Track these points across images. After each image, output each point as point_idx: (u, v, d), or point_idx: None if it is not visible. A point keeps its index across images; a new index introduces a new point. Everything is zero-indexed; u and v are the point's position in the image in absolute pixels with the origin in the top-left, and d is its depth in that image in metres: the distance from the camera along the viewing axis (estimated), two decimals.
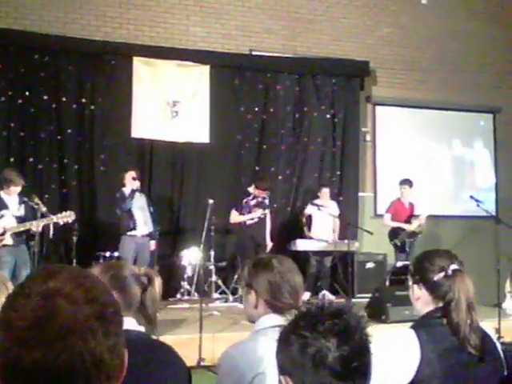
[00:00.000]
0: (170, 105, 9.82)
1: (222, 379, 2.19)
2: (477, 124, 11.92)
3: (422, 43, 11.39)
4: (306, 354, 1.37)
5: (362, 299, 8.51)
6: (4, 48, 9.11)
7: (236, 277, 9.25)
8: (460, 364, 2.34)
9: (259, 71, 10.45)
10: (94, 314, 0.97)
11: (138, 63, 9.69)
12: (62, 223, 7.01)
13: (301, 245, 9.30)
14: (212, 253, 9.13)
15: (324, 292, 9.20)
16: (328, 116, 10.78)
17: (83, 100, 9.51)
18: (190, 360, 5.50)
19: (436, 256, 2.53)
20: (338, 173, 10.78)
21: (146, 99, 9.67)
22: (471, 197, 8.36)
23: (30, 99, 9.23)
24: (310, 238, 9.50)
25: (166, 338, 5.44)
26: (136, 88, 9.62)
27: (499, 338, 6.10)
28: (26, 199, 7.13)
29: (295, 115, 10.61)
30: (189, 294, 9.06)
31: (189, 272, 9.10)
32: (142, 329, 2.29)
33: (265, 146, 10.41)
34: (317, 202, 9.48)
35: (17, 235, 6.99)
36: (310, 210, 9.61)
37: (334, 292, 9.48)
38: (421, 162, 11.20)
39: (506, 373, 2.44)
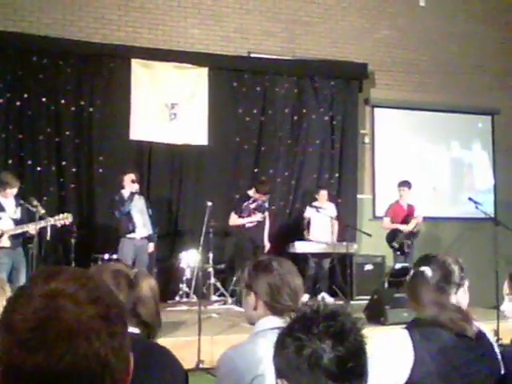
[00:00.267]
0: (169, 107, 9.82)
1: (220, 381, 2.19)
2: (475, 126, 11.93)
3: (420, 45, 11.40)
4: (301, 355, 1.37)
5: (360, 301, 8.52)
6: (2, 50, 9.11)
7: (235, 279, 9.24)
8: (455, 364, 2.35)
9: (257, 73, 10.45)
10: (98, 314, 0.94)
11: (137, 65, 9.69)
12: (59, 225, 7.04)
13: (300, 247, 9.30)
14: (211, 255, 9.15)
15: (322, 294, 9.20)
16: (326, 118, 10.79)
17: (82, 102, 9.51)
18: (188, 362, 5.50)
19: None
20: (337, 175, 10.78)
21: (145, 101, 9.67)
22: (470, 199, 8.37)
23: (29, 101, 9.22)
24: (310, 240, 9.51)
25: (165, 341, 5.43)
26: (134, 90, 9.62)
27: (498, 339, 6.09)
28: (22, 202, 7.17)
29: (293, 117, 10.61)
30: (187, 296, 9.06)
31: (187, 274, 9.10)
32: (136, 331, 2.29)
33: (263, 148, 10.41)
34: (315, 204, 9.49)
35: (14, 238, 7.02)
36: (308, 212, 9.62)
37: (333, 294, 9.49)
38: (419, 164, 11.20)
39: (502, 372, 2.44)
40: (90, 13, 9.73)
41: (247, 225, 8.71)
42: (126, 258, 7.79)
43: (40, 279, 0.97)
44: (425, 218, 9.45)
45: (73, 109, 9.46)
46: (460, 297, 2.53)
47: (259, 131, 10.43)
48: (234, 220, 8.74)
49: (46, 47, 9.34)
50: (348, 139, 10.87)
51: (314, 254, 9.35)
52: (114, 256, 8.16)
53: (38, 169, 9.22)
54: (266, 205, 8.88)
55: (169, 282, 9.45)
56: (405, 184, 9.34)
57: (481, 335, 2.44)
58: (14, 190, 7.20)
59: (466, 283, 2.58)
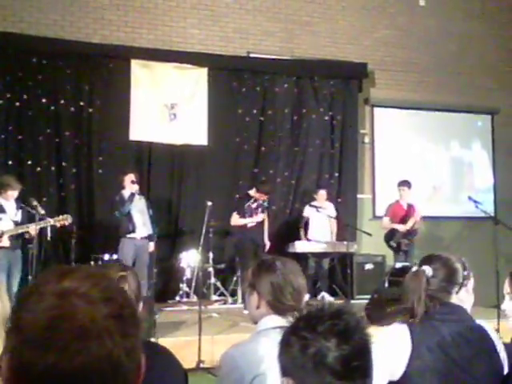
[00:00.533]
0: (168, 107, 9.82)
1: (222, 380, 2.19)
2: (475, 125, 11.93)
3: (419, 45, 11.40)
4: (306, 354, 1.38)
5: (360, 300, 8.51)
6: (2, 51, 9.10)
7: (235, 279, 9.26)
8: (455, 358, 2.36)
9: (257, 73, 10.45)
10: (111, 314, 0.92)
11: (136, 66, 9.69)
12: (58, 226, 7.08)
13: (300, 246, 9.30)
14: (211, 255, 9.15)
15: (323, 294, 9.20)
16: (326, 118, 10.79)
17: (81, 103, 9.51)
18: (189, 362, 5.51)
19: None
20: (337, 174, 10.78)
21: (144, 102, 9.67)
22: (470, 198, 8.36)
23: (28, 102, 9.22)
24: (307, 240, 9.52)
25: (165, 341, 5.46)
26: (134, 91, 9.62)
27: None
28: (23, 205, 7.24)
29: (293, 117, 10.61)
30: (188, 296, 9.06)
31: (188, 274, 9.11)
32: None
33: (263, 148, 10.41)
34: (314, 203, 9.50)
35: (14, 239, 7.04)
36: (308, 212, 9.62)
37: (333, 294, 9.50)
38: (419, 164, 11.20)
39: (507, 371, 2.44)
40: (89, 13, 9.73)
41: (249, 225, 8.71)
42: (126, 257, 7.79)
43: (52, 277, 0.95)
44: (425, 217, 9.45)
45: (72, 109, 9.47)
46: (462, 297, 2.53)
47: (259, 131, 10.43)
48: (236, 220, 8.74)
49: (46, 48, 9.33)
50: (348, 139, 10.87)
51: (314, 254, 9.36)
52: (114, 256, 8.15)
53: (38, 169, 9.22)
54: (266, 204, 8.88)
55: (169, 281, 9.46)
56: (404, 183, 9.33)
57: (481, 332, 2.44)
58: (15, 193, 7.25)
59: (471, 283, 2.58)
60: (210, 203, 8.36)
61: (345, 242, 9.08)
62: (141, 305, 2.49)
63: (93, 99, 9.56)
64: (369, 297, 7.86)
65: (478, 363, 2.37)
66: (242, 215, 8.70)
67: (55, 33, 9.45)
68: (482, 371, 2.36)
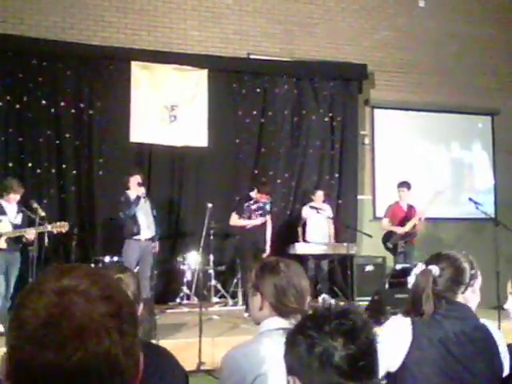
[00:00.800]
0: (169, 109, 9.82)
1: (224, 381, 2.19)
2: (475, 126, 11.92)
3: (419, 46, 11.40)
4: (312, 353, 1.39)
5: (361, 302, 8.51)
6: (2, 53, 9.11)
7: (235, 281, 9.25)
8: (456, 355, 2.37)
9: (257, 75, 10.45)
10: (109, 312, 0.93)
11: (136, 68, 9.70)
12: (55, 232, 7.11)
13: (300, 248, 9.29)
14: (211, 257, 9.15)
15: (324, 296, 9.19)
16: (326, 119, 10.79)
17: (81, 105, 9.52)
18: (189, 364, 5.51)
19: None
20: (337, 176, 10.78)
21: (144, 103, 9.67)
22: (470, 199, 8.36)
23: (28, 104, 9.23)
24: (305, 241, 9.52)
25: (166, 342, 5.44)
26: (134, 92, 9.63)
27: None
28: (24, 209, 7.28)
29: (293, 119, 10.62)
30: (188, 298, 9.06)
31: (188, 276, 9.10)
32: None
33: (263, 150, 10.41)
34: (313, 204, 9.51)
35: (12, 241, 7.07)
36: (307, 213, 9.61)
37: (334, 295, 9.49)
38: (419, 165, 11.20)
39: (507, 371, 2.45)
40: (89, 15, 9.74)
41: (247, 226, 8.70)
42: (130, 259, 7.78)
43: (52, 275, 0.96)
44: (425, 219, 9.43)
45: (73, 111, 9.47)
46: (468, 297, 2.54)
47: (259, 133, 10.43)
48: (235, 220, 8.73)
49: (46, 50, 9.33)
50: (348, 140, 10.87)
51: (314, 256, 9.35)
52: (115, 258, 8.16)
53: (38, 171, 9.22)
54: (268, 207, 8.82)
55: (169, 283, 9.45)
56: (404, 185, 9.32)
57: (484, 331, 2.45)
58: (17, 196, 7.30)
59: (477, 283, 2.58)
60: (210, 205, 8.33)
61: (345, 244, 9.08)
62: (141, 306, 2.49)
63: (93, 101, 9.56)
64: (369, 298, 7.86)
65: (478, 361, 2.38)
66: (241, 216, 8.70)
67: (55, 35, 9.45)
68: (481, 370, 2.37)
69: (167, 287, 9.42)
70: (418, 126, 11.37)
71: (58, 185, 9.35)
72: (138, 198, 8.02)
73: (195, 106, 9.94)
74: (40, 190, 9.12)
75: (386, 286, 8.88)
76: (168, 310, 8.56)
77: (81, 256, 8.63)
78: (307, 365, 1.39)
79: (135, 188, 8.09)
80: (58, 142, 9.38)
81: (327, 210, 9.60)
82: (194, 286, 9.00)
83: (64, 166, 9.38)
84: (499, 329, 6.34)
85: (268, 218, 8.87)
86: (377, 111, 11.31)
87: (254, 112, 10.37)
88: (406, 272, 7.85)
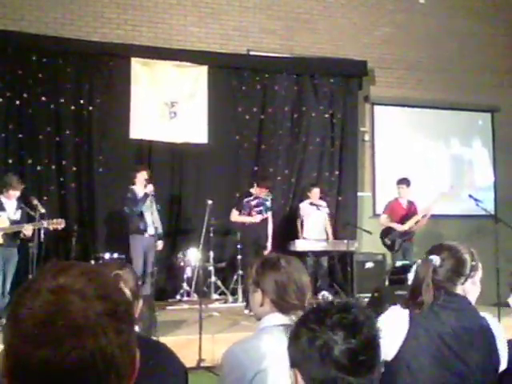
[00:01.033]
0: (168, 105, 9.81)
1: (224, 377, 2.19)
2: (475, 123, 11.92)
3: (419, 42, 11.39)
4: (313, 346, 1.40)
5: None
6: (2, 49, 9.09)
7: (235, 278, 9.24)
8: (450, 346, 2.38)
9: (257, 71, 10.44)
10: (105, 310, 0.94)
11: (136, 64, 9.69)
12: (51, 229, 7.14)
13: (300, 245, 9.29)
14: (211, 253, 9.15)
15: (324, 292, 9.19)
16: (326, 116, 10.78)
17: (81, 101, 9.51)
18: (190, 361, 5.51)
19: None
20: (337, 172, 10.77)
21: (145, 100, 9.66)
22: (470, 196, 8.35)
23: (28, 101, 9.21)
24: (304, 238, 9.53)
25: (166, 339, 5.44)
26: (134, 89, 9.62)
27: None
28: (23, 205, 7.31)
29: (293, 115, 10.61)
30: (188, 294, 9.06)
31: (188, 273, 9.10)
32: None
33: (263, 147, 10.40)
34: (313, 201, 9.52)
35: (10, 238, 7.09)
36: (307, 210, 9.60)
37: (334, 292, 9.49)
38: (419, 162, 11.19)
39: (504, 366, 2.45)
40: (89, 11, 9.72)
41: (247, 223, 8.69)
42: (137, 254, 7.83)
43: (49, 274, 0.97)
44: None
45: (72, 108, 9.46)
46: (467, 288, 2.54)
47: (259, 129, 10.42)
48: (235, 217, 8.73)
49: (46, 46, 9.31)
50: (348, 137, 10.87)
51: (314, 252, 9.35)
52: (115, 255, 8.16)
53: (38, 168, 9.21)
54: (269, 204, 8.80)
55: (170, 280, 9.47)
56: (403, 181, 9.31)
57: (482, 324, 2.46)
58: (17, 193, 7.35)
59: (478, 275, 2.58)
60: (210, 202, 8.36)
61: (345, 241, 9.09)
62: (141, 302, 2.49)
63: (93, 97, 9.55)
64: (369, 295, 7.85)
65: (475, 354, 2.38)
66: (241, 212, 8.69)
67: (55, 31, 9.44)
68: (477, 362, 2.37)
69: (167, 284, 9.43)
70: (417, 123, 11.36)
71: (57, 181, 9.34)
72: (146, 195, 8.04)
73: (195, 102, 9.93)
74: (40, 187, 9.12)
75: (386, 282, 8.88)
76: (168, 307, 8.56)
77: (81, 253, 8.64)
78: (308, 357, 1.41)
79: (141, 184, 8.11)
80: (57, 138, 9.38)
81: (325, 207, 9.63)
82: (194, 283, 9.00)
83: (64, 162, 9.38)
84: None
85: (269, 214, 8.86)
86: (377, 108, 11.31)
87: (254, 109, 10.36)
88: (406, 269, 7.86)
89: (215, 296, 9.17)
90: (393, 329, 2.40)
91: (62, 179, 9.37)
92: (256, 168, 10.31)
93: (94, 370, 0.91)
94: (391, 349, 2.39)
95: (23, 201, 7.46)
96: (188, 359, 5.21)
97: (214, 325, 7.05)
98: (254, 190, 8.78)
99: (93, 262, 8.11)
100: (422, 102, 11.26)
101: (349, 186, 10.83)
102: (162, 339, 5.21)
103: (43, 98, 9.29)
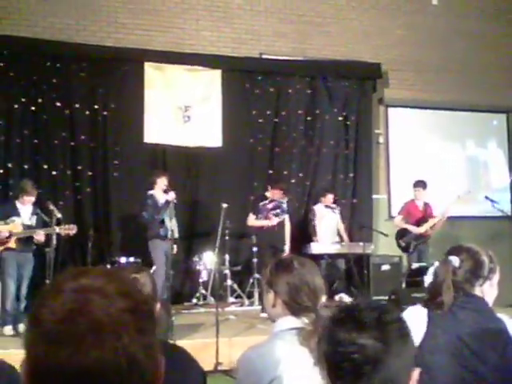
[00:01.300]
0: (182, 109, 9.84)
1: (240, 381, 2.20)
2: (490, 124, 11.85)
3: (433, 44, 11.33)
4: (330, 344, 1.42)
5: None
6: (16, 55, 9.15)
7: (251, 281, 9.23)
8: (468, 345, 2.39)
9: (270, 74, 10.45)
10: (127, 307, 0.93)
11: (150, 68, 9.72)
12: (63, 234, 7.16)
13: (316, 248, 9.27)
14: (227, 257, 9.16)
15: (341, 295, 9.16)
16: (340, 118, 10.75)
17: (96, 106, 9.55)
18: (207, 364, 5.50)
19: None
20: (352, 175, 10.74)
21: (158, 104, 9.70)
22: (486, 197, 8.32)
23: (43, 106, 9.27)
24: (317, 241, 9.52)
25: (183, 343, 5.44)
26: (148, 93, 9.65)
27: None
28: (39, 211, 7.32)
29: (307, 118, 10.59)
30: (204, 298, 9.05)
31: (204, 276, 9.09)
32: None
33: (277, 150, 10.39)
34: (327, 204, 9.53)
35: (24, 243, 7.13)
36: (321, 212, 9.58)
37: (350, 295, 9.45)
38: (434, 163, 11.13)
39: None
40: (102, 17, 9.77)
41: (265, 227, 8.66)
42: (161, 259, 7.82)
43: (69, 276, 0.97)
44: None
45: (87, 113, 9.50)
46: (485, 290, 2.57)
47: (273, 132, 10.42)
48: (252, 221, 8.72)
49: (60, 52, 9.37)
50: (362, 139, 10.83)
51: (330, 255, 9.33)
52: (131, 259, 8.18)
53: (54, 173, 9.26)
54: (285, 206, 8.77)
55: (186, 284, 9.48)
56: (420, 184, 9.28)
57: (499, 325, 2.46)
58: (32, 198, 7.37)
59: (496, 277, 2.60)
60: (225, 205, 8.35)
61: (361, 243, 9.05)
62: (158, 305, 2.49)
63: (107, 102, 9.59)
64: (386, 298, 7.81)
65: (492, 354, 2.40)
66: (258, 216, 8.68)
67: (69, 37, 9.49)
68: (494, 362, 2.38)
69: (183, 287, 9.44)
70: (432, 125, 11.31)
71: (73, 186, 9.38)
72: (168, 202, 7.98)
73: (209, 106, 9.95)
74: (56, 192, 9.16)
75: (403, 285, 8.83)
76: (184, 311, 8.56)
77: (97, 257, 8.64)
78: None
79: (161, 190, 8.08)
80: (72, 143, 9.42)
81: (338, 209, 9.66)
82: (210, 287, 8.99)
83: (79, 167, 9.42)
84: None
85: (286, 217, 8.84)
86: (391, 110, 11.26)
87: (268, 112, 10.36)
88: (422, 271, 7.81)
89: (231, 299, 9.17)
90: (411, 328, 2.40)
91: (77, 184, 9.41)
92: (270, 171, 10.30)
93: (116, 370, 0.89)
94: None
95: (39, 206, 7.48)
96: (205, 363, 5.19)
97: (231, 328, 7.03)
98: (269, 193, 8.77)
99: (109, 266, 8.14)
100: (436, 104, 11.20)
101: (364, 188, 10.79)
102: (179, 343, 5.21)
103: (58, 104, 9.33)
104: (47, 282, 6.79)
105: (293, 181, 10.36)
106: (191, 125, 9.87)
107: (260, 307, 8.22)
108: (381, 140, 11.14)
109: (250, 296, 9.18)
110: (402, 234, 9.19)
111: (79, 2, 9.65)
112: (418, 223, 9.14)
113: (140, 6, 9.95)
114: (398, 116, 11.29)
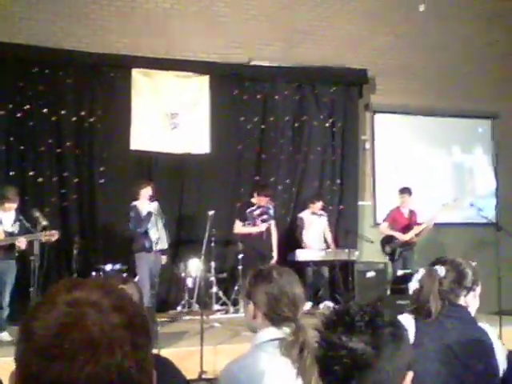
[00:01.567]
0: (169, 116, 9.82)
1: None
2: (475, 130, 11.92)
3: (419, 50, 11.38)
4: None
5: None
6: (3, 61, 9.11)
7: (236, 288, 9.22)
8: (455, 352, 2.44)
9: (258, 81, 10.47)
10: (121, 323, 0.91)
11: (137, 75, 9.71)
12: (44, 241, 7.01)
13: (301, 255, 9.28)
14: (212, 264, 9.12)
15: (326, 302, 9.17)
16: (327, 125, 10.78)
17: (82, 113, 9.52)
18: (191, 373, 5.50)
19: None
20: (339, 181, 10.76)
21: (146, 111, 9.68)
22: (472, 204, 8.36)
23: (30, 113, 9.23)
24: (305, 248, 9.53)
25: (167, 351, 5.45)
26: (135, 100, 9.64)
27: None
28: (21, 218, 7.21)
29: (294, 124, 10.62)
30: (189, 305, 9.02)
31: (189, 284, 9.07)
32: None
33: (264, 156, 10.40)
34: (314, 211, 9.55)
35: (6, 250, 7.05)
36: (308, 219, 9.59)
37: (335, 302, 9.47)
38: (420, 170, 11.17)
39: (501, 374, 2.50)
40: (89, 23, 9.75)
41: (253, 234, 8.66)
42: (144, 274, 7.71)
43: (63, 288, 0.95)
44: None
45: (74, 119, 9.48)
46: (469, 301, 2.63)
47: (260, 139, 10.43)
48: (239, 228, 8.72)
49: (47, 58, 9.33)
50: (349, 145, 10.86)
51: (315, 262, 9.34)
52: (117, 266, 8.16)
53: (40, 180, 9.22)
54: (271, 213, 8.79)
55: (171, 291, 9.45)
56: (405, 191, 9.33)
57: (481, 333, 2.52)
58: (14, 205, 7.24)
59: (478, 289, 2.67)
60: (211, 212, 8.34)
61: (346, 250, 9.08)
62: None
63: (94, 109, 9.57)
64: None
65: (477, 361, 2.45)
66: (245, 223, 8.68)
67: (56, 43, 9.45)
68: (479, 370, 2.43)
69: (168, 295, 9.42)
70: (418, 131, 11.36)
71: (59, 193, 9.35)
72: (150, 214, 7.89)
73: (197, 112, 9.95)
74: (41, 199, 9.11)
75: (388, 292, 8.87)
76: (169, 319, 8.54)
77: (82, 264, 8.61)
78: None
79: (145, 199, 8.00)
80: (59, 150, 9.39)
81: (325, 215, 9.67)
82: (195, 294, 8.98)
83: (65, 174, 9.39)
84: (500, 334, 6.38)
85: (273, 223, 8.86)
86: (377, 116, 11.30)
87: (255, 118, 10.37)
88: (407, 278, 7.84)
89: (216, 307, 9.14)
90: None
91: (63, 191, 9.37)
92: (257, 177, 10.31)
93: None
94: None
95: (24, 213, 7.41)
96: (189, 371, 5.21)
97: (216, 336, 7.01)
98: (255, 200, 8.78)
99: (94, 273, 8.12)
100: (423, 110, 11.26)
101: (350, 194, 10.81)
102: (164, 351, 5.22)
103: (44, 110, 9.30)
104: (31, 289, 6.75)
105: (280, 187, 10.38)
106: (179, 131, 9.86)
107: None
108: (367, 146, 11.17)
109: (235, 303, 9.16)
110: (387, 240, 9.24)
111: (66, 8, 9.62)
112: (404, 230, 9.19)
113: (127, 12, 9.93)
114: (384, 122, 11.32)
